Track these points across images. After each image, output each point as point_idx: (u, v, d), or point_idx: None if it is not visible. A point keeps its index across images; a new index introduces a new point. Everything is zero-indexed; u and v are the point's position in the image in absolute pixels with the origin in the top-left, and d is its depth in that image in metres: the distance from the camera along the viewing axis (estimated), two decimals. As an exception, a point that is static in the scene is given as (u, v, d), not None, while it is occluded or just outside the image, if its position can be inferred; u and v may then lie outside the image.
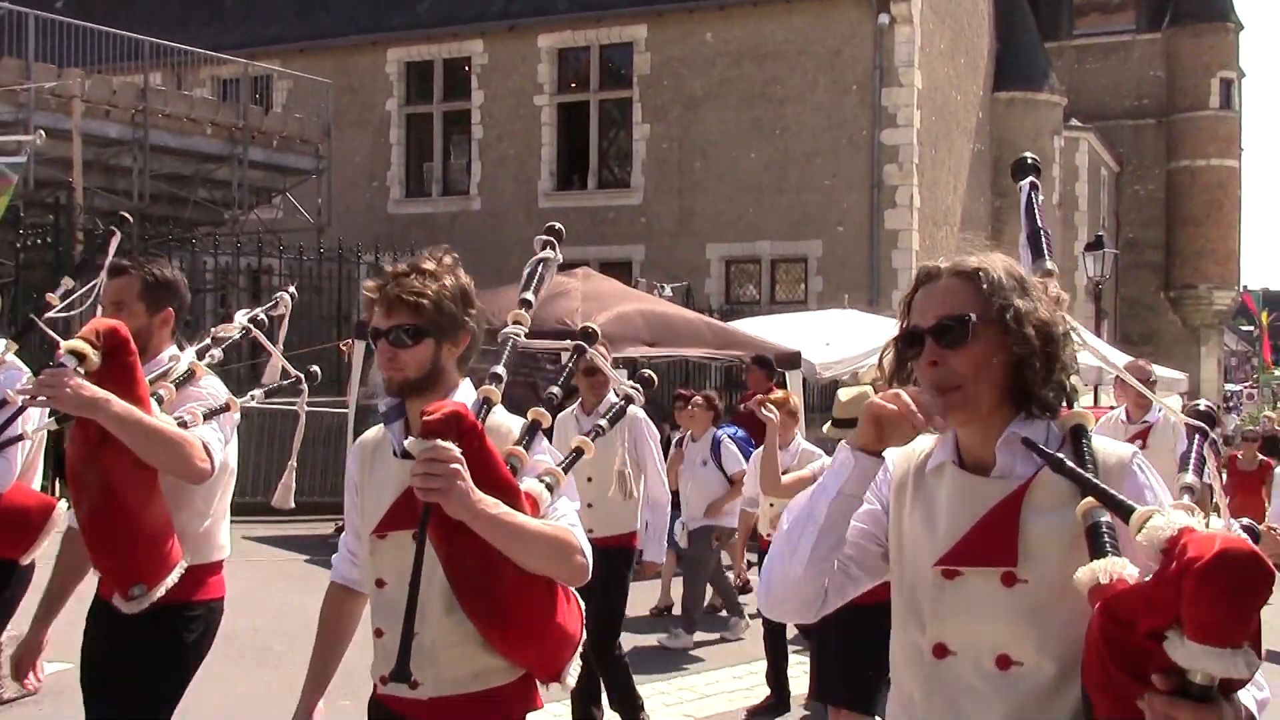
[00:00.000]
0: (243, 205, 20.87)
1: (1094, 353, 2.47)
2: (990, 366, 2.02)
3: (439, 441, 2.31)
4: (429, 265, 2.73)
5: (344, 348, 13.48)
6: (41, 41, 18.13)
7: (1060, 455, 1.91)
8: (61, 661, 7.04)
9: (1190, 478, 2.07)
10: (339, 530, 12.64)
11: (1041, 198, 2.43)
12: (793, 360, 12.48)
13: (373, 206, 24.33)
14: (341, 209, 22.49)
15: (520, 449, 2.64)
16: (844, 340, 14.02)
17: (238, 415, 3.63)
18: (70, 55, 18.60)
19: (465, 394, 2.73)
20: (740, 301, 21.91)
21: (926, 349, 2.04)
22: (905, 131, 21.45)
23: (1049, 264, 2.28)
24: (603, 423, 3.04)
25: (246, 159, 20.53)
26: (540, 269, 3.06)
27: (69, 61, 18.41)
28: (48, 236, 15.14)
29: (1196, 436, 2.13)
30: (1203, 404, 2.23)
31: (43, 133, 9.28)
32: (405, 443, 2.43)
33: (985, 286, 2.06)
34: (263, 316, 3.83)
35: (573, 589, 2.70)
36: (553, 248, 3.10)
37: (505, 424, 2.72)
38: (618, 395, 3.00)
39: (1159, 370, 17.56)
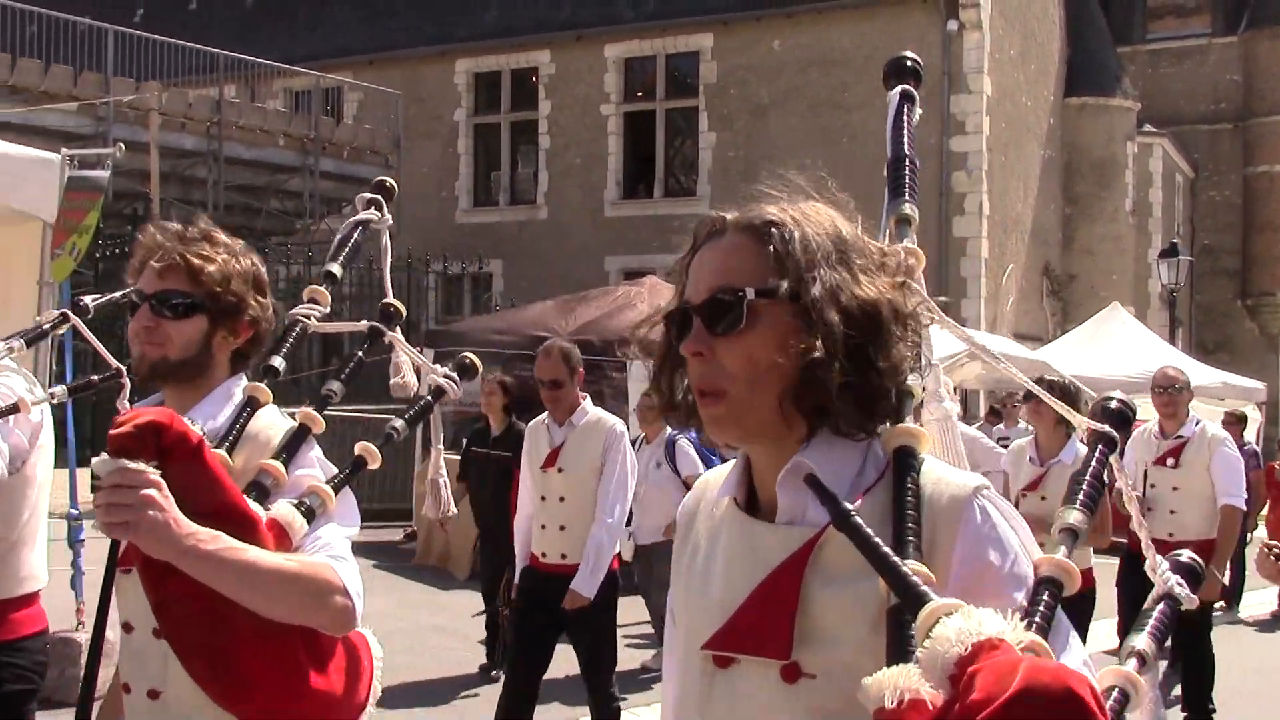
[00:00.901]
0: (314, 215, 21.19)
1: (963, 338, 1.84)
2: (772, 366, 1.43)
3: (126, 462, 1.79)
4: (223, 237, 2.31)
5: (412, 355, 13.58)
6: (120, 56, 18.56)
7: (845, 504, 1.35)
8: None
9: (1074, 516, 1.43)
10: (409, 536, 12.77)
11: (919, 114, 1.80)
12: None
13: (441, 216, 24.56)
14: (410, 219, 22.73)
15: (276, 464, 2.10)
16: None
17: (36, 416, 3.04)
18: (148, 69, 19.02)
19: (228, 396, 2.25)
20: (807, 310, 21.80)
21: (692, 334, 1.47)
22: (974, 138, 21.25)
23: (908, 207, 1.67)
24: (399, 424, 2.40)
25: (318, 170, 20.85)
26: (355, 234, 2.52)
27: (147, 75, 18.82)
28: (125, 247, 15.46)
29: (1099, 448, 1.50)
30: (1115, 399, 1.55)
31: (123, 145, 9.48)
32: (93, 462, 1.87)
33: (777, 248, 1.48)
34: (45, 328, 2.97)
35: (369, 637, 2.23)
36: (379, 208, 2.56)
37: (269, 431, 2.19)
38: (429, 387, 2.46)
39: (1236, 379, 17.22)
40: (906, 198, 1.64)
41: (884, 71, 1.84)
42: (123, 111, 17.73)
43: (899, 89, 1.82)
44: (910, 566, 1.30)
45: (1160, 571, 1.53)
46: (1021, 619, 1.27)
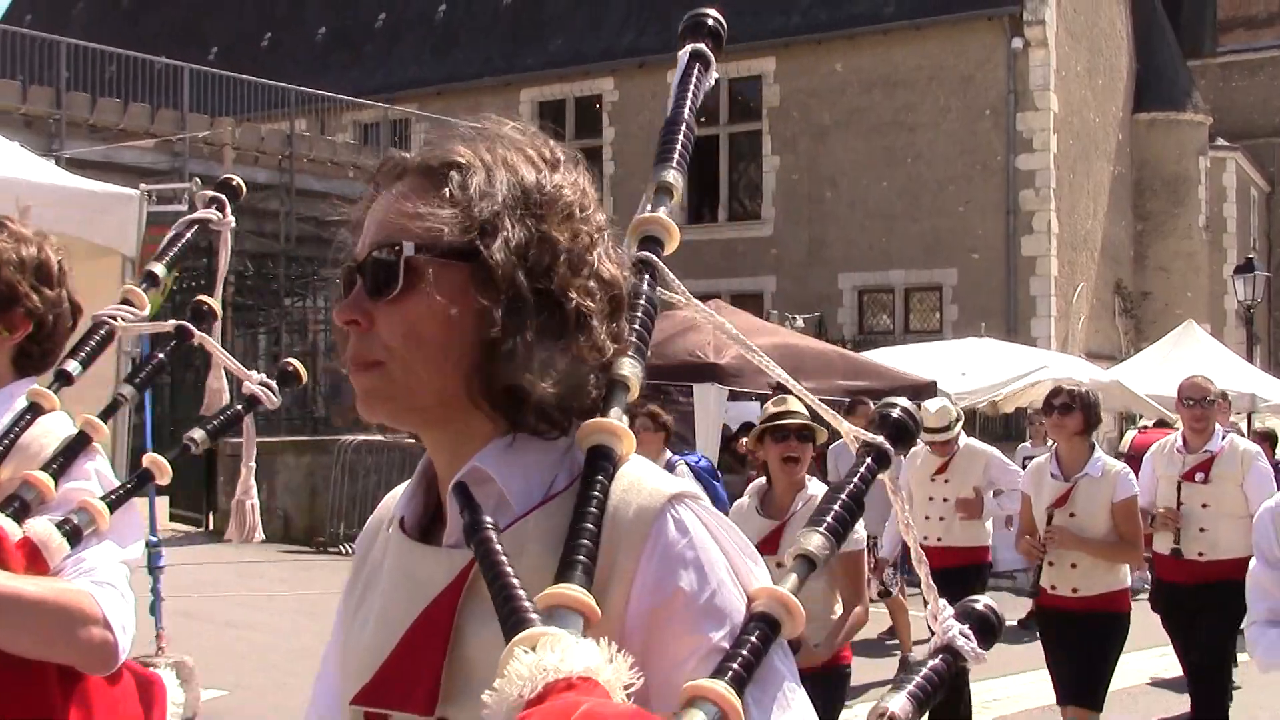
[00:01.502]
0: (383, 245, 21.46)
1: (732, 336, 1.47)
2: (438, 338, 1.15)
3: None
4: (14, 226, 2.05)
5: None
6: (195, 92, 19.01)
7: (484, 517, 1.10)
8: (216, 688, 7.34)
9: (815, 541, 1.16)
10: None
11: (713, 80, 1.54)
12: (929, 390, 12.32)
13: (507, 243, 24.76)
14: (477, 246, 22.94)
15: (41, 475, 1.85)
16: (980, 369, 13.79)
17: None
18: (222, 105, 19.46)
19: (7, 400, 1.99)
20: (874, 331, 21.70)
21: (348, 299, 1.18)
22: (1041, 156, 21.05)
23: (671, 175, 1.35)
24: (198, 434, 2.16)
25: (386, 200, 21.15)
26: (188, 233, 2.25)
27: (220, 111, 19.26)
28: (200, 279, 15.79)
29: (868, 461, 1.24)
30: (898, 408, 1.29)
31: (198, 180, 9.76)
32: None
33: (454, 193, 1.18)
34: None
35: (166, 679, 1.99)
36: (220, 207, 2.27)
37: (42, 440, 1.93)
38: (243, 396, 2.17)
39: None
40: (674, 165, 1.36)
41: (679, 29, 1.53)
42: (198, 147, 18.15)
43: (690, 48, 1.52)
44: (559, 592, 1.03)
45: (941, 619, 1.21)
46: (723, 664, 1.04)
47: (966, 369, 13.86)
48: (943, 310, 21.54)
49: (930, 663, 1.18)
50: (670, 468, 7.19)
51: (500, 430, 1.18)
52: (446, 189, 1.18)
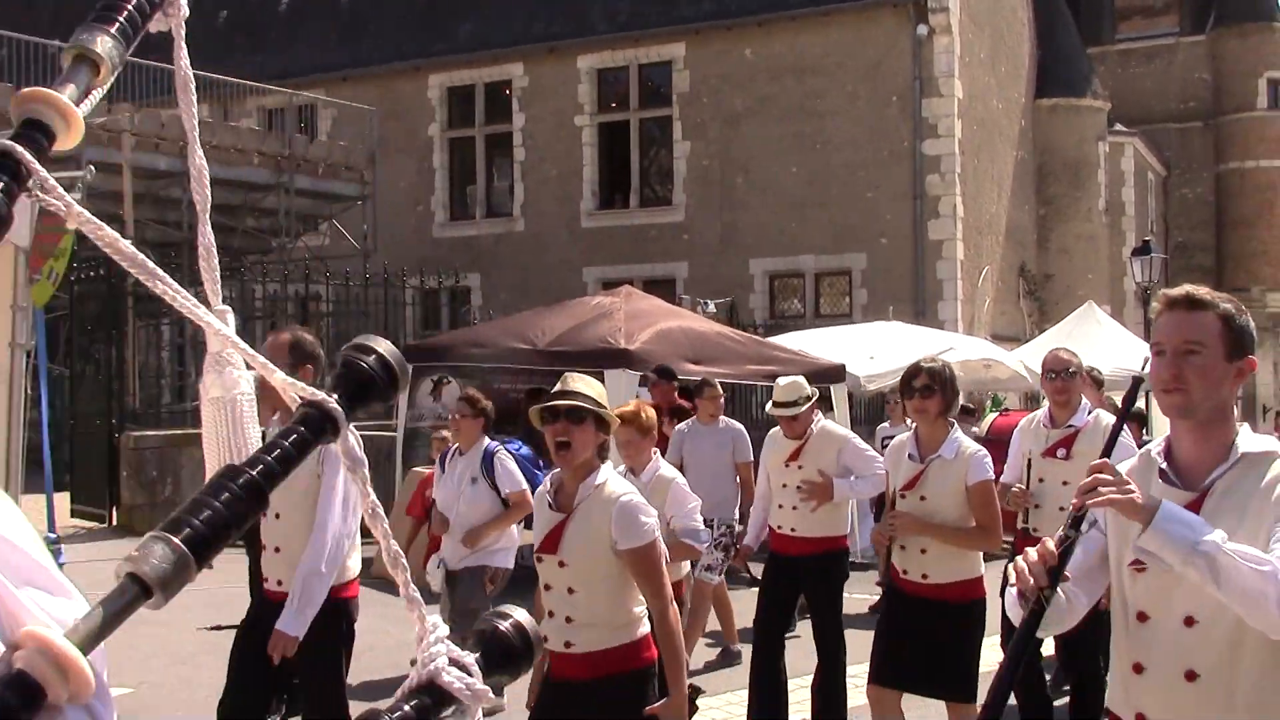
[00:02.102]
0: (290, 233, 21.14)
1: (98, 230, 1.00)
2: None
3: None
4: None
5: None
6: (91, 77, 18.49)
7: None
8: (122, 686, 7.18)
9: (154, 557, 0.83)
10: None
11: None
12: (837, 373, 12.46)
13: (418, 231, 24.55)
14: (387, 234, 22.70)
15: None
16: (889, 352, 13.98)
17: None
18: (119, 89, 18.95)
19: None
20: (785, 316, 21.89)
21: None
22: (947, 141, 21.37)
23: (102, 41, 1.08)
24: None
25: (293, 187, 20.81)
26: None
27: (118, 96, 18.75)
28: (100, 269, 15.41)
29: (302, 427, 0.92)
30: (372, 355, 0.98)
31: (93, 168, 9.46)
32: None
33: None
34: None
35: None
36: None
37: None
38: None
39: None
40: (112, 31, 1.04)
41: None
42: (95, 133, 17.67)
43: None
44: None
45: (426, 644, 0.91)
46: None
47: (875, 352, 14.03)
48: (852, 294, 21.79)
49: (401, 709, 0.87)
50: (490, 455, 7.07)
51: None
52: None
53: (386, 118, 23.92)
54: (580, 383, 4.03)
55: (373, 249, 21.71)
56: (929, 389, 5.16)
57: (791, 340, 14.48)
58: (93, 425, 15.17)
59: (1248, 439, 2.51)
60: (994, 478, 5.39)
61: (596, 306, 12.18)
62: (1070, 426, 5.90)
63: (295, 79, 23.90)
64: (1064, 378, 5.93)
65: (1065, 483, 5.63)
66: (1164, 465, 2.54)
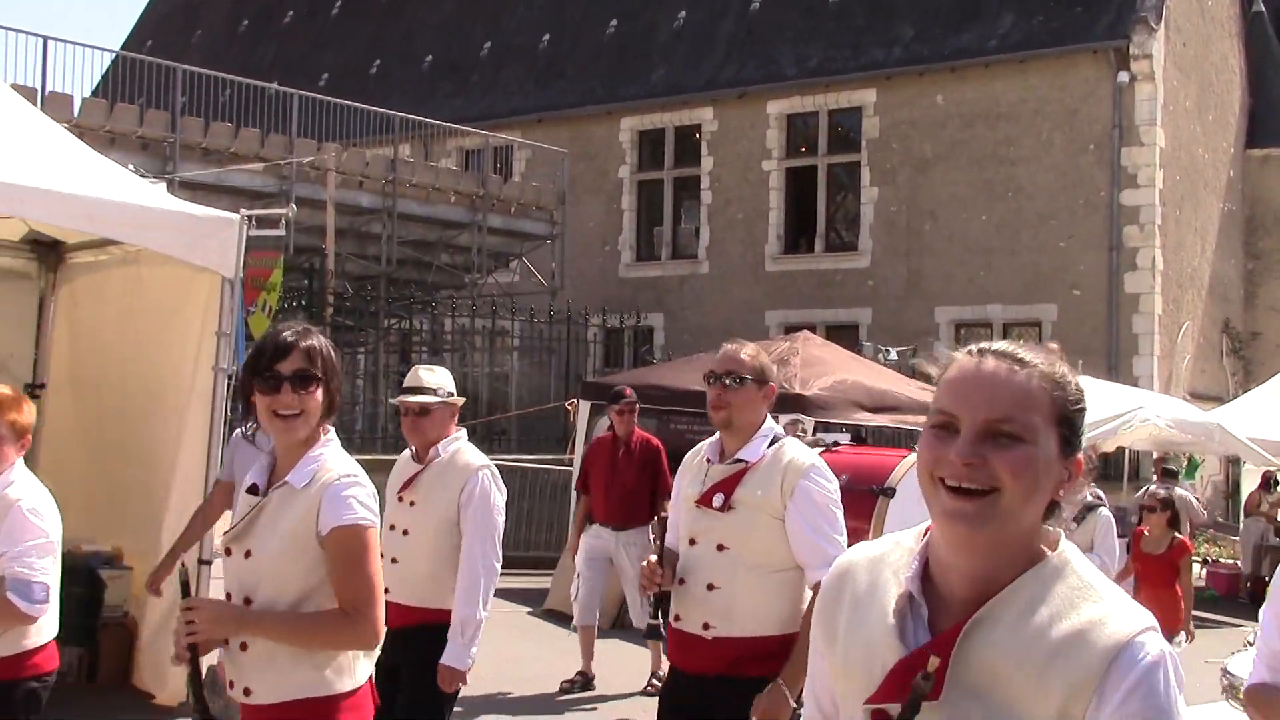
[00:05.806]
0: (482, 270, 21.79)
1: None
2: None
3: None
4: None
5: (569, 407, 13.89)
6: (303, 118, 19.52)
7: None
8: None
9: None
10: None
11: None
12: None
13: (604, 270, 24.97)
14: (575, 273, 23.18)
15: None
16: (1079, 407, 13.49)
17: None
18: (328, 130, 19.95)
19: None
20: (970, 366, 21.37)
21: None
22: (1147, 192, 20.64)
23: None
24: None
25: (486, 225, 21.48)
26: None
27: (327, 136, 19.74)
28: (303, 299, 16.17)
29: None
30: None
31: (294, 205, 10.05)
32: None
33: None
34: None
35: None
36: None
37: None
38: None
39: None
40: None
41: None
42: (304, 171, 18.60)
43: None
44: None
45: None
46: None
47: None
48: (1042, 346, 21.14)
49: None
50: None
51: None
52: None
53: (578, 159, 24.48)
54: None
55: (560, 287, 22.18)
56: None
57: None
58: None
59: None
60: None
61: (775, 353, 12.18)
62: (739, 461, 3.82)
63: (493, 121, 24.72)
64: (726, 384, 3.86)
65: (721, 547, 3.75)
66: None
